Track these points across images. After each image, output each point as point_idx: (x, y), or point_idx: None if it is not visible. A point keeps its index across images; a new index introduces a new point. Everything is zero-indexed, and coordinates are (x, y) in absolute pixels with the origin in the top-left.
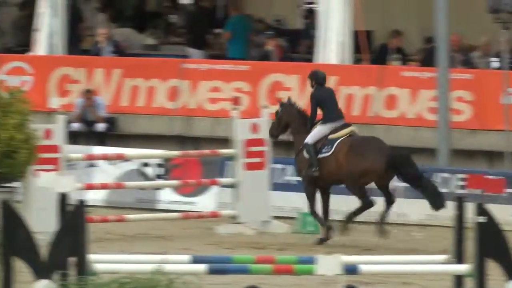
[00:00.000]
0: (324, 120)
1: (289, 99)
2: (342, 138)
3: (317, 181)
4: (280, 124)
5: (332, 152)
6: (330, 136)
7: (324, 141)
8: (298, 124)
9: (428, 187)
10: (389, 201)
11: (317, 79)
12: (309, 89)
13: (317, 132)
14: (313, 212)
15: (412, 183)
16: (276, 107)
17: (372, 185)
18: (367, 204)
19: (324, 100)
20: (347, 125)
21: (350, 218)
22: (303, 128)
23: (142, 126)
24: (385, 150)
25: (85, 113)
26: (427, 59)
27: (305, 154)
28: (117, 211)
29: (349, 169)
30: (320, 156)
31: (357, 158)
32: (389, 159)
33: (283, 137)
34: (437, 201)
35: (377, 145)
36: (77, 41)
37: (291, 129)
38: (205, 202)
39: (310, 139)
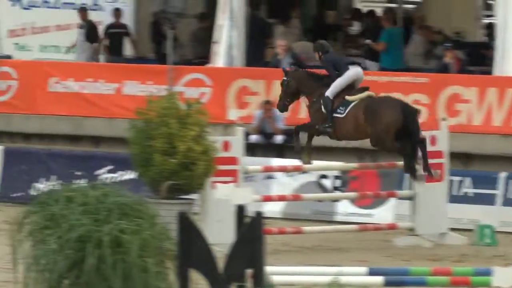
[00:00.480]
0: (342, 72)
1: (291, 66)
2: (356, 102)
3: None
4: (289, 91)
5: (346, 114)
6: (347, 97)
7: (340, 100)
8: (310, 84)
9: (415, 150)
10: (418, 142)
11: (323, 48)
12: None
13: (338, 84)
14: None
15: (410, 136)
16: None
17: None
18: (403, 150)
19: (338, 61)
20: (364, 88)
21: (412, 169)
22: (317, 86)
23: (319, 138)
24: (397, 105)
25: (263, 125)
26: None
27: (323, 108)
28: (295, 223)
29: (373, 129)
30: (335, 115)
31: (375, 118)
32: (403, 109)
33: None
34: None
35: (389, 103)
36: (261, 53)
37: (305, 91)
38: (383, 214)
39: (330, 92)
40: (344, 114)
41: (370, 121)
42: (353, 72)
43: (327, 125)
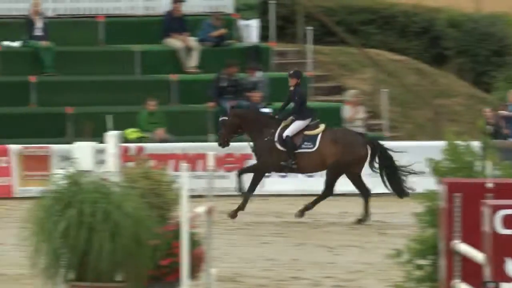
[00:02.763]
0: (303, 116)
1: (231, 106)
2: (320, 134)
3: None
4: (232, 129)
5: (317, 148)
6: (307, 133)
7: (302, 137)
8: (251, 123)
9: (397, 175)
10: (367, 191)
11: (301, 78)
12: None
13: (297, 126)
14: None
15: (387, 168)
16: None
17: None
18: (331, 193)
19: (306, 98)
20: (319, 123)
21: (314, 204)
22: (267, 124)
23: None
24: (364, 139)
25: None
26: None
27: (279, 146)
28: None
29: (338, 160)
30: (301, 151)
31: (345, 149)
32: (372, 147)
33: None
34: (403, 190)
35: (356, 135)
36: None
37: (249, 129)
38: None
39: (290, 132)
40: (315, 148)
41: (343, 153)
42: (310, 120)
43: (292, 161)
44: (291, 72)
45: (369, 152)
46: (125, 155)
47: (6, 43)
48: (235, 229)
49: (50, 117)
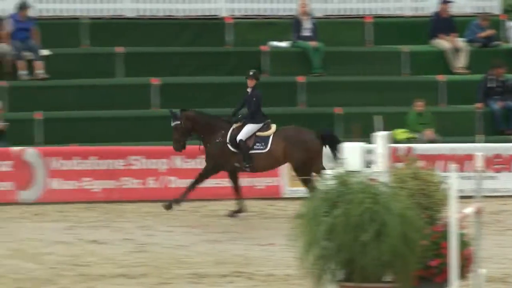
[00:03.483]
0: (256, 120)
1: (181, 110)
2: (271, 135)
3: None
4: (185, 133)
5: (269, 149)
6: (259, 134)
7: (254, 139)
8: (202, 126)
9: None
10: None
11: (258, 79)
12: None
13: (250, 129)
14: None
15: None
16: None
17: None
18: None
19: (262, 101)
20: (270, 123)
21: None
22: (218, 127)
23: None
24: (315, 135)
25: None
26: None
27: (232, 148)
28: None
29: (296, 160)
30: (254, 152)
31: (297, 147)
32: (325, 139)
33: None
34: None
35: (307, 132)
36: None
37: (200, 132)
38: None
39: (243, 136)
40: (267, 149)
41: (295, 151)
42: (263, 122)
43: (246, 164)
44: (251, 73)
45: (324, 146)
46: (394, 156)
47: (274, 43)
48: (504, 230)
49: (319, 117)
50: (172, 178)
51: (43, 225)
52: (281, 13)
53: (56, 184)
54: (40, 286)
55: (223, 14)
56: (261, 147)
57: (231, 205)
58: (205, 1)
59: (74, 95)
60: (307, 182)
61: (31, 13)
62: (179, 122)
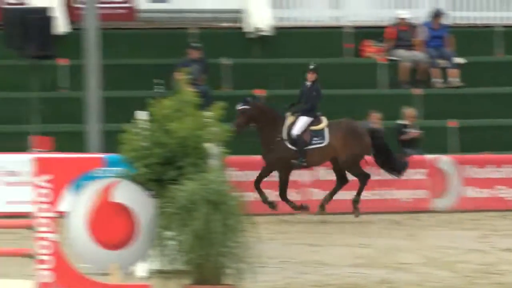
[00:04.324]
0: (310, 114)
1: (253, 97)
2: (326, 128)
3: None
4: (249, 120)
5: (328, 142)
6: (313, 128)
7: (309, 133)
8: (266, 118)
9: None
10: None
11: (317, 73)
12: None
13: (304, 123)
14: (284, 196)
15: (381, 154)
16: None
17: None
18: (367, 176)
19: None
20: (321, 116)
21: (331, 196)
22: (272, 121)
23: None
24: (365, 129)
25: None
26: None
27: (290, 145)
28: None
29: (353, 153)
30: (312, 147)
31: (355, 141)
32: (372, 135)
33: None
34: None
35: (359, 125)
36: None
37: (260, 123)
38: None
39: (299, 130)
40: (325, 143)
41: (353, 144)
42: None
43: (303, 159)
44: (312, 67)
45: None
46: None
47: None
48: None
49: None
50: None
51: (456, 233)
52: None
53: (470, 192)
54: None
55: None
56: (319, 141)
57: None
58: None
59: (488, 103)
60: (360, 174)
61: (444, 20)
62: (248, 107)
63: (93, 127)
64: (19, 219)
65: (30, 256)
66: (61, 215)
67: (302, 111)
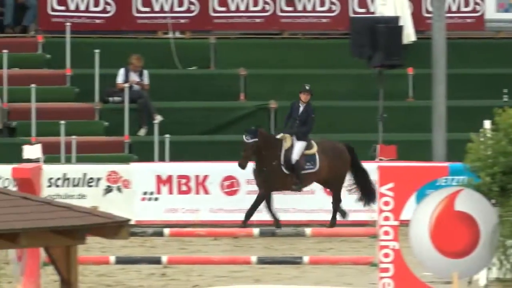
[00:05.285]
0: (305, 138)
1: (257, 127)
2: (315, 153)
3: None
4: (255, 151)
5: (319, 167)
6: (306, 152)
7: (303, 158)
8: (268, 145)
9: (367, 182)
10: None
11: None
12: None
13: (301, 148)
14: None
15: (357, 174)
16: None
17: None
18: (339, 202)
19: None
20: (311, 140)
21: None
22: (270, 146)
23: None
24: (343, 145)
25: None
26: None
27: (285, 170)
28: None
29: (337, 175)
30: (304, 172)
31: (338, 161)
32: (352, 156)
33: None
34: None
35: (339, 144)
36: None
37: (263, 151)
38: None
39: (297, 155)
40: (317, 168)
41: (337, 166)
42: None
43: (300, 184)
44: (307, 87)
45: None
46: None
47: None
48: None
49: None
50: None
51: None
52: None
53: None
54: None
55: None
56: (311, 166)
57: None
58: None
59: None
60: (337, 195)
61: None
62: (257, 139)
63: (439, 136)
64: (361, 227)
65: (372, 264)
66: (404, 223)
67: (298, 134)
